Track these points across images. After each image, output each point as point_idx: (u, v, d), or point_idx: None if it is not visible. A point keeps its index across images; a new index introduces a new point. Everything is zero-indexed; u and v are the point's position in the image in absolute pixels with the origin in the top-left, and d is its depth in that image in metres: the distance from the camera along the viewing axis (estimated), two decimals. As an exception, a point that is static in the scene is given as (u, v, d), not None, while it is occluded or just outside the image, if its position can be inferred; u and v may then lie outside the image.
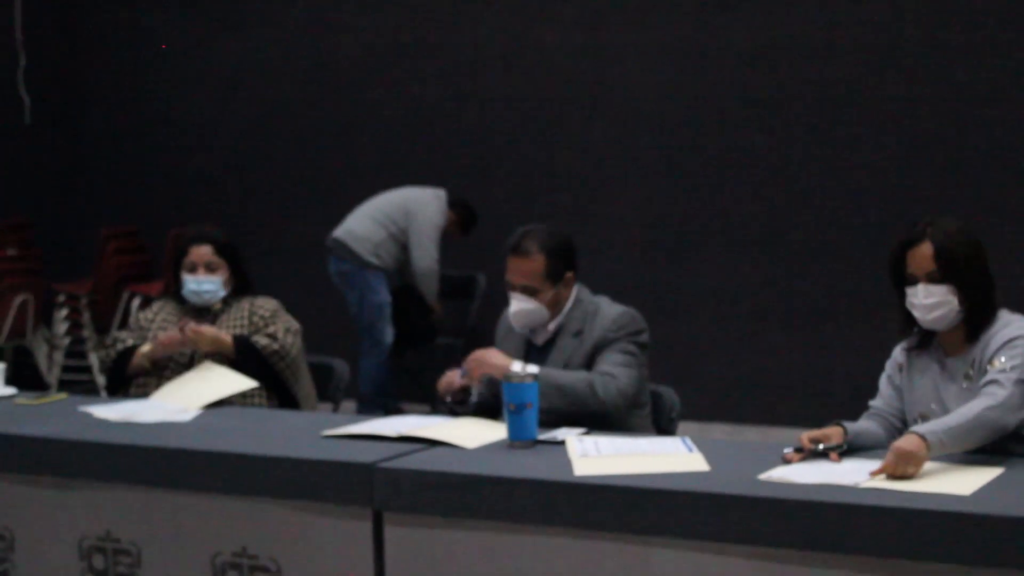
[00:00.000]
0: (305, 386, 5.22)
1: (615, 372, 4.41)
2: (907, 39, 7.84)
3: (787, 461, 3.64)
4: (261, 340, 5.10)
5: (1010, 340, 3.74)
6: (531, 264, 4.53)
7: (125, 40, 10.24)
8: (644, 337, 4.56)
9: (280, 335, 5.13)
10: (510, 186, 8.88)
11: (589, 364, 4.49)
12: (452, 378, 4.62)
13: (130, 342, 5.24)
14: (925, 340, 3.95)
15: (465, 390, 4.60)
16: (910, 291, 3.84)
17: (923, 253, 3.81)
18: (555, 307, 4.58)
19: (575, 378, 4.35)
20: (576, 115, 8.73)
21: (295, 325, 5.22)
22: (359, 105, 9.42)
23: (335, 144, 9.51)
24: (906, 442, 3.47)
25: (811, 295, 8.05)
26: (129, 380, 5.19)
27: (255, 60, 9.76)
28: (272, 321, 5.20)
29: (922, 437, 3.46)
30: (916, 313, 3.85)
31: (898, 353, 4.02)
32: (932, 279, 3.79)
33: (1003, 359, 3.70)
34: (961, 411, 3.61)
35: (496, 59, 8.95)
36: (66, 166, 10.40)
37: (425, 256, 8.27)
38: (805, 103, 8.07)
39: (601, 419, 4.33)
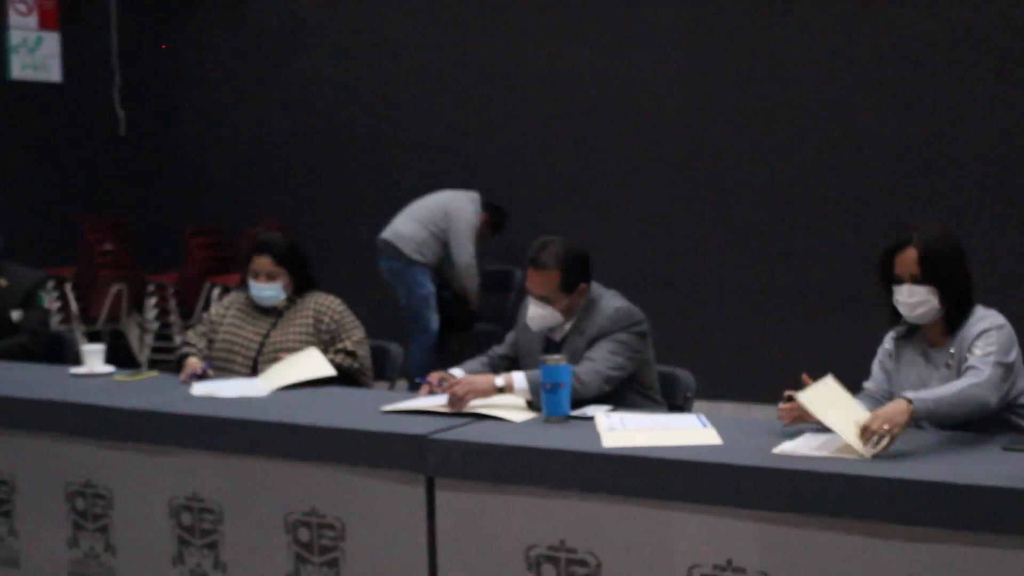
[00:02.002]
0: (370, 380, 5.14)
1: (594, 357, 4.33)
2: (892, 59, 7.80)
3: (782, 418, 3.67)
4: (342, 360, 4.95)
5: (984, 331, 3.71)
6: (547, 277, 4.43)
7: (208, 60, 10.27)
8: (640, 328, 4.44)
9: (359, 352, 5.01)
10: (543, 190, 8.87)
11: None
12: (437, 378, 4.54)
13: (190, 349, 5.13)
14: (911, 331, 3.93)
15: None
16: (896, 289, 3.81)
17: (909, 257, 3.78)
18: (569, 312, 4.49)
19: None
20: (600, 127, 8.71)
21: (361, 331, 5.09)
22: (408, 118, 9.43)
23: (388, 152, 9.53)
24: (890, 406, 3.44)
25: (812, 287, 8.01)
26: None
27: (320, 79, 9.78)
28: (342, 328, 5.05)
29: (908, 401, 3.43)
30: (901, 310, 3.82)
31: (888, 341, 4.00)
32: (916, 280, 3.76)
33: (979, 347, 3.67)
34: (948, 385, 3.59)
35: (531, 78, 8.93)
36: (156, 172, 10.46)
37: (463, 253, 8.26)
38: (808, 113, 8.03)
39: (612, 399, 4.29)
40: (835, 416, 3.49)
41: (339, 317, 5.09)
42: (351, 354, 4.99)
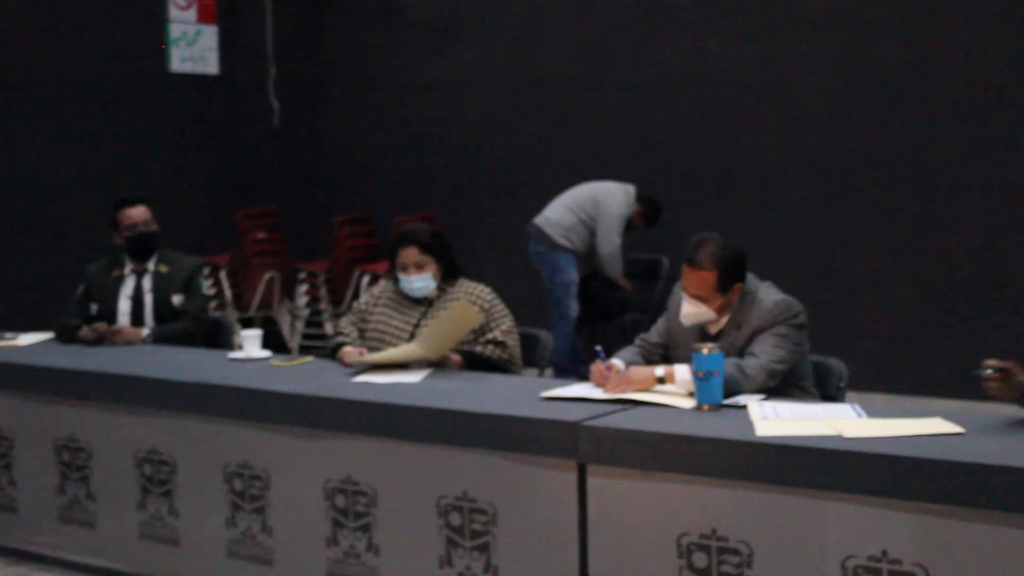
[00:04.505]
0: (519, 369, 5.12)
1: (758, 351, 4.27)
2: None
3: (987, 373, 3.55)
4: (491, 352, 4.97)
5: None
6: (703, 276, 4.37)
7: (360, 53, 10.41)
8: (799, 319, 4.36)
9: (508, 342, 5.00)
10: (692, 180, 8.82)
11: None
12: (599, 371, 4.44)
13: (344, 338, 5.15)
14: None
15: None
16: None
17: None
18: (722, 310, 4.44)
19: (726, 365, 4.10)
20: (750, 118, 8.63)
21: (510, 320, 5.08)
22: (561, 108, 9.45)
23: (537, 143, 9.55)
24: None
25: (965, 278, 7.86)
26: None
27: (469, 70, 9.85)
28: (491, 318, 5.03)
29: None
30: None
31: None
32: None
33: None
34: None
35: (680, 68, 8.89)
36: (308, 162, 10.63)
37: (607, 242, 8.23)
38: (957, 106, 7.87)
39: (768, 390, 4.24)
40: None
41: (488, 306, 5.08)
42: (500, 344, 5.01)
